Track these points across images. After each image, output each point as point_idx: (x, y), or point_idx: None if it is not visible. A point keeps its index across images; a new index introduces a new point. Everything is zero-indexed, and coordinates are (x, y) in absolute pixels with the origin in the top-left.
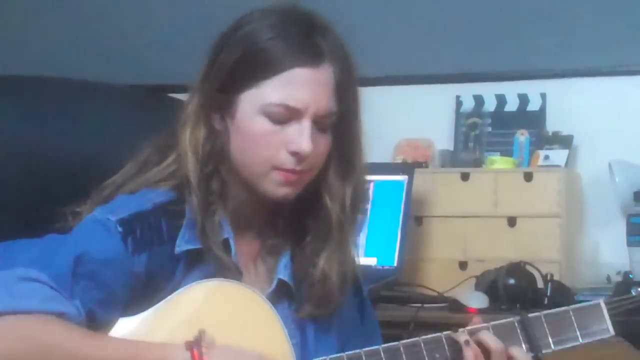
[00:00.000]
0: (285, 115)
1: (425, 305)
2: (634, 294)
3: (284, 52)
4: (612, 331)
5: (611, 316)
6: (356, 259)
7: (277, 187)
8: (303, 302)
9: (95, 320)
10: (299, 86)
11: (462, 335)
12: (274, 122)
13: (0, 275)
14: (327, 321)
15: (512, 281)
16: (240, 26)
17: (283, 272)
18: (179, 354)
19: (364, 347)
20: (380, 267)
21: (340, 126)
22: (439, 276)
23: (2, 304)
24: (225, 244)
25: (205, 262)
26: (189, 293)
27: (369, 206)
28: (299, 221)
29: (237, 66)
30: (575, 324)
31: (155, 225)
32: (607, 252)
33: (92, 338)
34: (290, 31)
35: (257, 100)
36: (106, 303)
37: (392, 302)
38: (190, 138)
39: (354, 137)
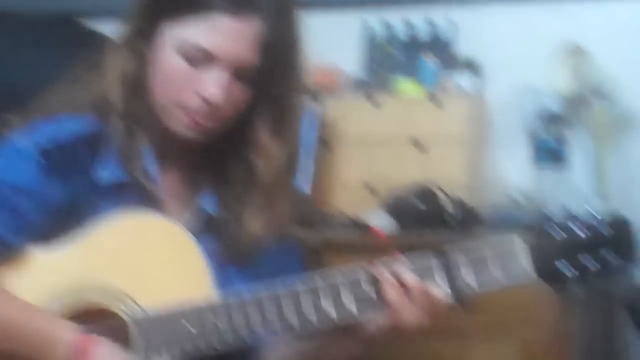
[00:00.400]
0: (201, 58)
1: (335, 228)
2: (549, 231)
3: None
4: (534, 274)
5: (531, 256)
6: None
7: (182, 127)
8: (227, 244)
9: (5, 245)
10: (218, 32)
11: (381, 270)
12: (189, 62)
13: None
14: (252, 268)
15: (420, 204)
16: None
17: (206, 202)
18: (67, 331)
19: (286, 276)
20: None
21: (270, 83)
22: (348, 200)
23: None
24: (148, 174)
25: (127, 193)
26: (107, 225)
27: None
28: (225, 168)
29: None
30: (495, 263)
31: (75, 155)
32: (512, 175)
33: None
34: None
35: (175, 35)
36: (17, 229)
37: (303, 226)
38: (114, 63)
39: (287, 96)
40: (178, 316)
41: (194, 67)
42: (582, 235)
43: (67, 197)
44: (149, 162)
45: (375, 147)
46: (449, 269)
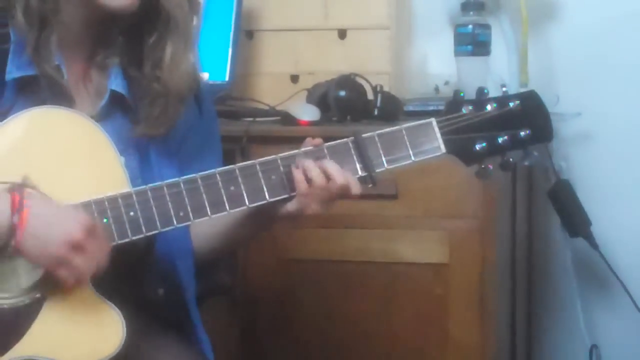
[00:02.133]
0: None
1: (257, 119)
2: (464, 112)
3: None
4: (443, 149)
5: (442, 134)
6: (197, 67)
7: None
8: (140, 120)
9: None
10: None
11: (298, 160)
12: None
13: None
14: (168, 141)
15: (342, 93)
16: None
17: (115, 83)
18: (1, 197)
19: (206, 159)
20: (212, 82)
21: None
22: (271, 90)
23: None
24: (57, 69)
25: (34, 89)
26: (15, 122)
27: (200, 19)
28: (136, 36)
29: None
30: (407, 143)
31: None
32: (435, 63)
33: None
34: None
35: None
36: None
37: (225, 117)
38: None
39: None
40: (91, 208)
41: None
42: (495, 112)
43: None
44: (55, 54)
45: (297, 36)
46: (361, 148)
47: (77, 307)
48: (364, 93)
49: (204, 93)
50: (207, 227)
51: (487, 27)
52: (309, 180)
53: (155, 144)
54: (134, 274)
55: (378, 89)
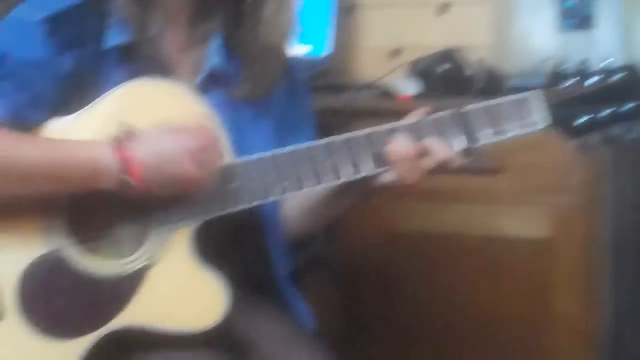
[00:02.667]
0: None
1: (358, 93)
2: (565, 85)
3: None
4: (547, 121)
5: (547, 107)
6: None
7: None
8: (241, 83)
9: (24, 121)
10: None
11: (393, 134)
12: None
13: None
14: (264, 105)
15: (444, 67)
16: None
17: (215, 57)
18: (105, 151)
19: (300, 133)
20: (313, 57)
21: None
22: (371, 64)
23: None
24: (156, 38)
25: (134, 58)
26: (118, 92)
27: None
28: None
29: None
30: (511, 115)
31: (81, 22)
32: (538, 37)
33: (17, 140)
34: None
35: None
36: (33, 104)
37: (325, 91)
38: None
39: None
40: None
41: None
42: (599, 84)
43: (76, 65)
44: (156, 22)
45: (398, 11)
46: (464, 121)
47: (181, 276)
48: (465, 67)
49: (296, 71)
50: (301, 200)
51: (592, 1)
52: (406, 154)
53: (250, 106)
54: (232, 247)
55: (480, 63)
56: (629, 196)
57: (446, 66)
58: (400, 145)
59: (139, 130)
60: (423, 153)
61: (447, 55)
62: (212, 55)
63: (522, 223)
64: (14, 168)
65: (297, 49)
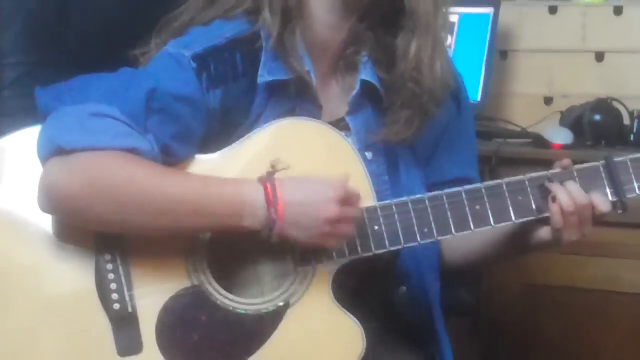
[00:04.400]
0: None
1: (508, 140)
2: None
3: None
4: None
5: None
6: (451, 67)
7: None
8: (387, 123)
9: (171, 156)
10: None
11: (549, 184)
12: None
13: (72, 111)
14: (419, 145)
15: (597, 117)
16: None
17: (365, 73)
18: (253, 189)
19: (458, 154)
20: None
21: None
22: (524, 112)
23: (75, 141)
24: (307, 73)
25: (283, 95)
26: (266, 131)
27: (453, 40)
28: (387, 35)
29: None
30: None
31: (231, 60)
32: None
33: (165, 174)
34: None
35: None
36: (181, 138)
37: (476, 137)
38: None
39: None
40: None
41: None
42: None
43: (224, 101)
44: (305, 58)
45: (553, 58)
46: (613, 173)
47: (318, 316)
48: (621, 118)
49: (461, 88)
50: (462, 240)
51: None
52: (560, 206)
53: (404, 147)
54: (375, 273)
55: (635, 114)
56: None
57: (600, 116)
58: (567, 193)
59: (289, 169)
60: (574, 201)
61: (601, 105)
62: (363, 72)
63: None
64: (158, 200)
65: None
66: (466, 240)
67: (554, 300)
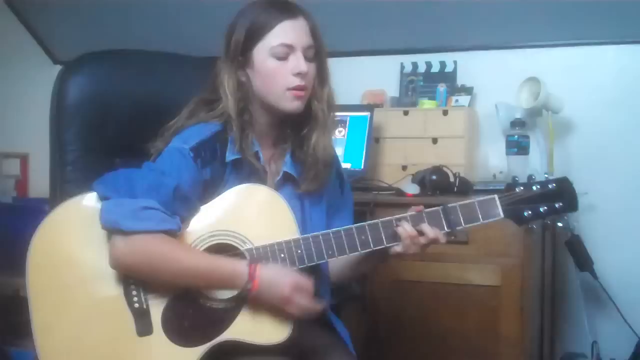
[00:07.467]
0: (285, 52)
1: (380, 192)
2: (517, 191)
3: (274, 15)
4: (502, 215)
5: (502, 205)
6: (334, 149)
7: (291, 103)
8: (302, 181)
9: (183, 221)
10: (290, 31)
11: (404, 222)
12: (279, 59)
13: (129, 203)
14: (319, 195)
15: (434, 177)
16: (241, 14)
17: (287, 166)
18: (243, 266)
19: (342, 215)
20: (354, 169)
21: (317, 58)
22: (389, 174)
23: (133, 225)
24: (256, 154)
25: (242, 168)
26: (230, 193)
27: (346, 132)
28: (298, 127)
29: (248, 34)
30: (478, 210)
31: (213, 147)
32: (493, 159)
33: (187, 250)
34: (275, 4)
35: (265, 48)
36: (190, 210)
37: (361, 191)
38: (228, 89)
39: (325, 64)
40: (274, 248)
41: (283, 60)
42: (539, 191)
43: (211, 176)
44: (254, 146)
45: (406, 142)
46: (448, 214)
47: (264, 309)
48: (448, 177)
49: (340, 169)
50: (343, 261)
51: (527, 137)
52: (410, 234)
53: (309, 196)
54: None
55: (457, 175)
56: (550, 260)
57: (436, 176)
58: (406, 229)
59: (263, 263)
60: (420, 234)
61: (436, 170)
62: (286, 165)
63: (482, 275)
64: (177, 268)
65: (345, 165)
66: (347, 260)
67: (411, 290)
